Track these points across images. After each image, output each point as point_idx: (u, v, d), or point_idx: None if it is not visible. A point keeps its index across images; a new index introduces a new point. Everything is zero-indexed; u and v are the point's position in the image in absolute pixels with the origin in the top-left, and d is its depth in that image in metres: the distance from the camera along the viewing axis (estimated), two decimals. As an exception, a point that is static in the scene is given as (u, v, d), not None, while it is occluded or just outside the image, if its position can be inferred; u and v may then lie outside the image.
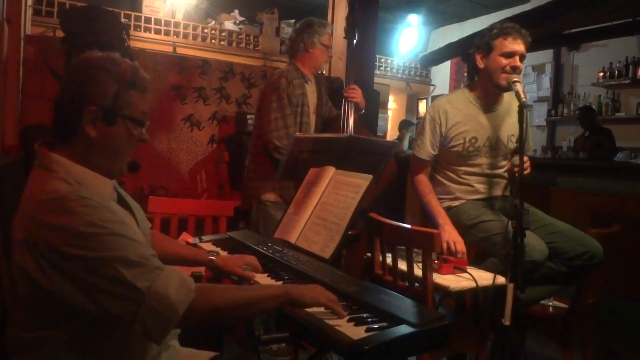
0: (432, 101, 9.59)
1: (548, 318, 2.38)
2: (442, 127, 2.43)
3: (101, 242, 1.09)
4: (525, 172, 2.08)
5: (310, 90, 2.98)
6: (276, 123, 2.76)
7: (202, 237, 2.05)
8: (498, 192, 2.50)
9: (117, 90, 1.20)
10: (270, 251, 1.78)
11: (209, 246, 1.94)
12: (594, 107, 6.59)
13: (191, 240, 2.05)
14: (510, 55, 2.29)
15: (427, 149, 2.46)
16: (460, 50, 5.45)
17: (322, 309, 1.27)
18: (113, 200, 1.26)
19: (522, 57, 2.31)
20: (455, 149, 2.43)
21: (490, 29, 2.37)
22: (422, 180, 2.49)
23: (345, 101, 2.93)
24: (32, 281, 1.10)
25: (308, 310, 1.28)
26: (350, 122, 2.92)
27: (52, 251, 1.08)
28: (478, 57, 2.39)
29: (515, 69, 2.27)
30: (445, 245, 2.24)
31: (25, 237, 1.11)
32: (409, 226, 2.02)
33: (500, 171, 2.50)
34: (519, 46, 2.30)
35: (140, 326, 1.10)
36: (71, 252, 1.08)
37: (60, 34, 3.86)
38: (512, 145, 2.46)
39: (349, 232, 2.12)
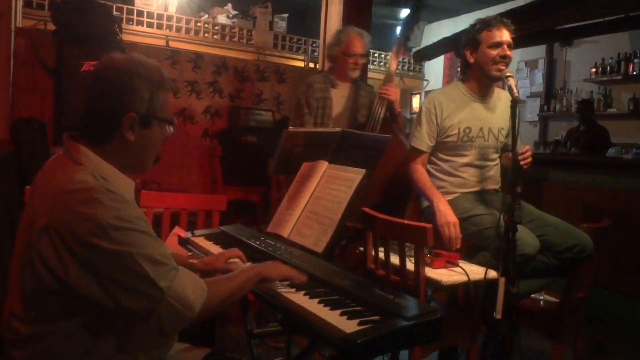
0: (425, 96, 9.59)
1: (539, 312, 2.40)
2: (437, 118, 2.47)
3: (128, 236, 1.11)
4: (527, 161, 2.22)
5: (339, 94, 3.12)
6: (294, 122, 3.10)
7: (195, 232, 2.05)
8: (489, 185, 2.54)
9: (150, 95, 1.24)
10: (263, 245, 1.78)
11: (201, 240, 1.94)
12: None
13: (184, 234, 2.05)
14: (498, 45, 2.35)
15: (424, 140, 2.49)
16: (454, 45, 5.45)
17: (314, 302, 1.28)
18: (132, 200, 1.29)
19: (509, 46, 2.37)
20: (450, 138, 2.47)
21: (473, 25, 2.45)
22: (418, 168, 2.51)
23: (378, 98, 2.99)
24: (47, 268, 1.11)
25: (298, 302, 1.30)
26: (380, 117, 2.94)
27: (76, 240, 1.09)
28: (467, 53, 2.45)
29: (504, 57, 2.34)
30: (441, 231, 2.25)
31: (47, 224, 1.11)
32: (401, 220, 2.03)
33: (491, 164, 2.54)
34: (504, 35, 2.36)
35: (155, 322, 1.14)
36: (96, 242, 1.09)
37: (51, 26, 3.83)
38: (502, 138, 2.52)
39: (352, 226, 2.12)
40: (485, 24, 2.39)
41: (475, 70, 2.46)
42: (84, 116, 1.24)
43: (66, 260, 1.10)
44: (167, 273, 1.15)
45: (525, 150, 2.24)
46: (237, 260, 1.66)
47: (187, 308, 1.15)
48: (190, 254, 1.83)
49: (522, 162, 2.20)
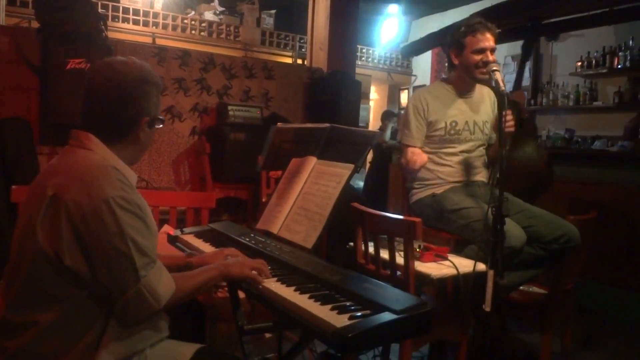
0: (413, 91, 9.62)
1: (528, 304, 2.42)
2: (425, 112, 2.55)
3: (128, 218, 1.20)
4: (510, 124, 2.22)
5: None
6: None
7: (184, 229, 2.04)
8: (477, 177, 2.59)
9: (157, 99, 1.39)
10: (253, 242, 1.78)
11: (191, 238, 1.93)
12: (572, 95, 6.69)
13: (173, 232, 2.04)
14: (481, 51, 2.42)
15: (414, 136, 2.55)
16: (442, 41, 5.46)
17: (305, 297, 1.29)
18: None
19: (492, 51, 2.44)
20: (437, 132, 2.54)
21: (458, 27, 2.51)
22: None
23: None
24: (45, 236, 1.18)
25: (289, 298, 1.30)
26: None
27: (79, 210, 1.17)
28: (452, 55, 2.53)
29: (486, 64, 2.36)
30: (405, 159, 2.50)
31: (56, 194, 1.19)
32: (390, 215, 2.04)
33: (478, 156, 2.60)
34: (488, 42, 2.42)
35: (121, 306, 1.21)
36: (98, 216, 1.17)
37: (35, 24, 3.78)
38: (487, 131, 2.60)
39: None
40: (470, 29, 2.44)
41: (459, 71, 2.54)
42: (101, 118, 1.32)
43: (63, 229, 1.17)
44: (147, 264, 1.23)
45: (508, 113, 2.22)
46: None
47: (155, 300, 1.23)
48: (188, 253, 1.82)
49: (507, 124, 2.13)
